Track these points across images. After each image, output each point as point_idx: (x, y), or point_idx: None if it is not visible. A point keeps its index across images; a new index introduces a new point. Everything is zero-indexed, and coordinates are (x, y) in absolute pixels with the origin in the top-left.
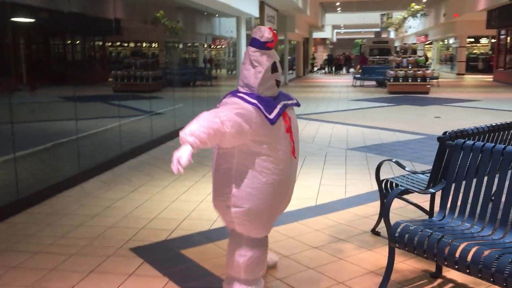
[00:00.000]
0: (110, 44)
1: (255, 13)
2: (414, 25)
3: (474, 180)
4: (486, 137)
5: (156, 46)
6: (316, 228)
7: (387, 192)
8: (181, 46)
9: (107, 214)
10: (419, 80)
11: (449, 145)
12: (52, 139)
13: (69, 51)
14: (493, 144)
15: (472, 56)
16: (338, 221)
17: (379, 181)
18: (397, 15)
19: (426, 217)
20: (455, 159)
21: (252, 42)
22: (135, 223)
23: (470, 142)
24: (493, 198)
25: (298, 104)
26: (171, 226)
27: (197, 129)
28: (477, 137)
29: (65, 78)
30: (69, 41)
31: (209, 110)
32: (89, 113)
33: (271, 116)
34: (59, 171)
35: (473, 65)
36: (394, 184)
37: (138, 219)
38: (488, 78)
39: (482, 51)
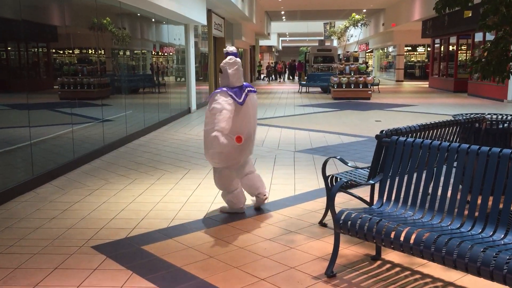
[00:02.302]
0: (54, 51)
1: (203, 20)
2: (355, 34)
3: (407, 172)
4: (418, 135)
5: (103, 53)
6: (269, 223)
7: (333, 186)
8: (128, 53)
9: (65, 217)
10: (361, 87)
11: (385, 141)
12: (2, 146)
13: (12, 58)
14: (422, 140)
15: (410, 63)
16: (289, 216)
17: (325, 177)
18: (340, 24)
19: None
20: (390, 154)
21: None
22: (94, 224)
23: (403, 138)
24: (430, 192)
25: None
26: (130, 225)
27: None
28: (409, 135)
29: (8, 85)
30: (12, 48)
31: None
32: (35, 120)
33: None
34: (10, 178)
35: (410, 72)
36: (338, 179)
37: (97, 220)
38: (425, 84)
39: (419, 59)
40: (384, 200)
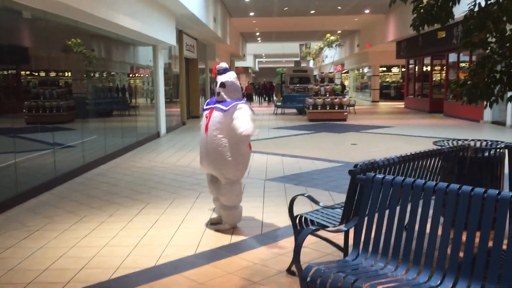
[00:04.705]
0: (15, 73)
1: (173, 42)
2: (330, 55)
3: (387, 214)
4: (397, 168)
5: (69, 75)
6: (229, 271)
7: (302, 228)
8: (96, 75)
9: None
10: (336, 108)
11: (360, 179)
12: None
13: None
14: (402, 178)
15: (385, 84)
16: (253, 261)
17: (292, 217)
18: (315, 45)
19: (340, 253)
20: (366, 194)
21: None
22: (20, 278)
23: (380, 176)
24: (406, 228)
25: (222, 110)
26: (64, 279)
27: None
28: (388, 168)
29: None
30: None
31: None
32: None
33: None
34: None
35: (386, 93)
36: (308, 220)
37: (26, 272)
38: (400, 104)
39: (394, 80)
40: (360, 251)
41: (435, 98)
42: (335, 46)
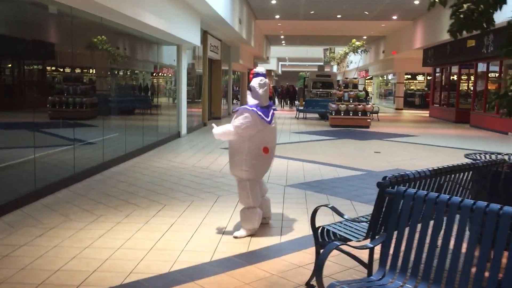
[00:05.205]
0: (40, 68)
1: (197, 42)
2: (355, 60)
3: (418, 230)
4: (428, 182)
5: (93, 72)
6: (245, 281)
7: (323, 240)
8: (120, 72)
9: (0, 266)
10: (359, 114)
11: (389, 192)
12: None
13: None
14: (436, 194)
15: (409, 92)
16: (270, 272)
17: (314, 229)
18: (339, 50)
19: (362, 268)
20: (395, 209)
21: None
22: (32, 278)
23: (412, 190)
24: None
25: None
26: (75, 281)
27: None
28: (418, 182)
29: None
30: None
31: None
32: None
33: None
34: None
35: (410, 101)
36: (331, 232)
37: (38, 272)
38: (425, 113)
39: (419, 88)
40: (387, 269)
41: (461, 108)
42: (361, 51)
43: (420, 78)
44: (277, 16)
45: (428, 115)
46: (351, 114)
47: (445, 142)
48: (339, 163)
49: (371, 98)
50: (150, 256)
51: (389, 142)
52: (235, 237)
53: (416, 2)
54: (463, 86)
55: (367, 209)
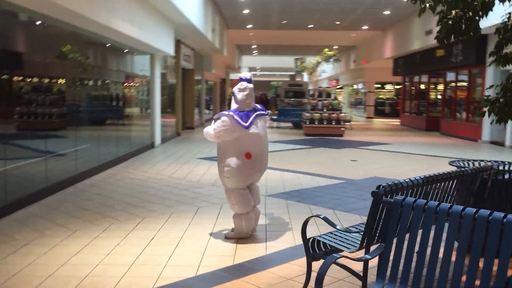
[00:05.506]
0: (7, 77)
1: (171, 51)
2: (327, 70)
3: (417, 241)
4: (419, 190)
5: (63, 81)
6: None
7: (315, 252)
8: (91, 82)
9: None
10: (333, 123)
11: (386, 202)
12: None
13: None
14: (437, 203)
15: (380, 100)
16: (259, 286)
17: (305, 240)
18: (311, 59)
19: (355, 279)
20: (394, 219)
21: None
22: None
23: (410, 199)
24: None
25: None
26: None
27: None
28: (410, 190)
29: None
30: None
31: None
32: None
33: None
34: None
35: (381, 109)
36: (321, 243)
37: None
38: (395, 121)
39: (388, 96)
40: (387, 281)
41: (431, 116)
42: (332, 60)
43: (389, 87)
44: (250, 26)
45: (399, 123)
46: (325, 123)
47: (418, 150)
48: (317, 172)
49: (341, 107)
50: (132, 272)
51: (364, 150)
52: (226, 238)
53: (386, 13)
54: (433, 95)
55: (351, 218)
